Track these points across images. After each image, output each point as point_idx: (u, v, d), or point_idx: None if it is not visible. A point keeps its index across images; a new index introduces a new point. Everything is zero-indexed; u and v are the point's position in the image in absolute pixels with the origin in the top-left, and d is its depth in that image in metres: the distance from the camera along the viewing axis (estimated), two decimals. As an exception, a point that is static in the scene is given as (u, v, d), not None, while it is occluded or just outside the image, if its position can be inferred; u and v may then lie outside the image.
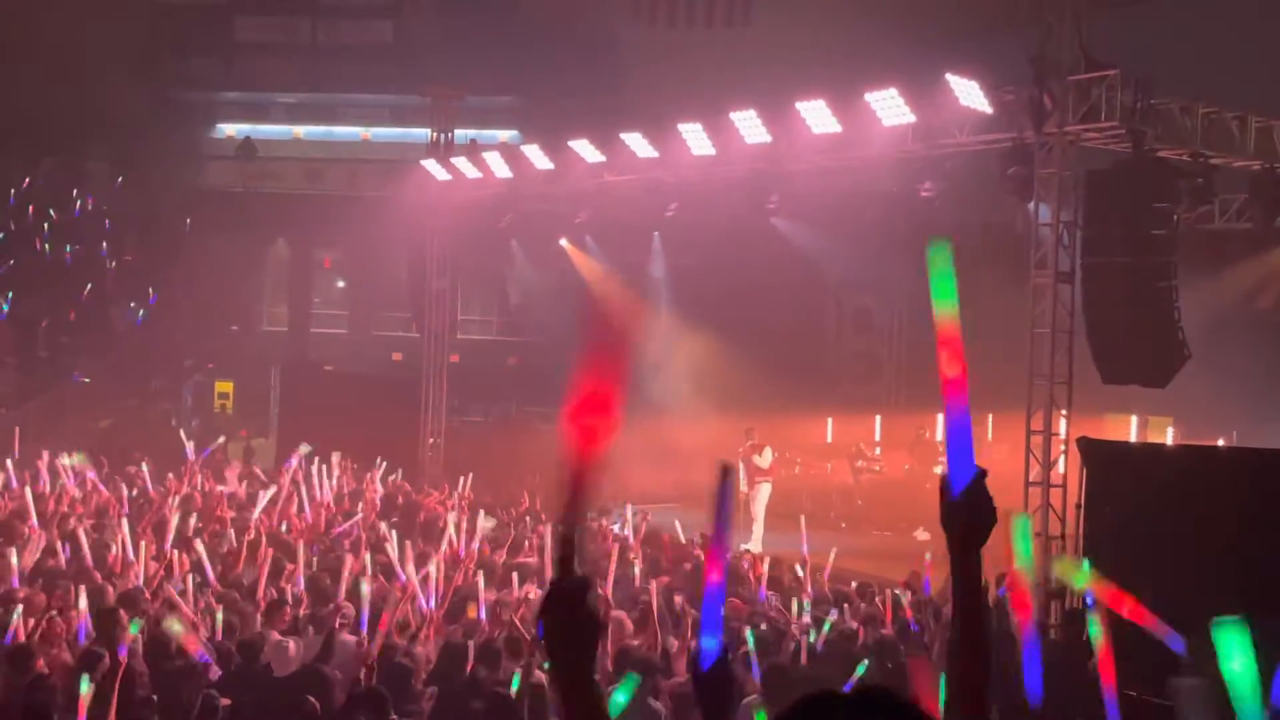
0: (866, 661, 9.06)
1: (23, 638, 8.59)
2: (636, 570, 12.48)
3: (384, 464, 18.89)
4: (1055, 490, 14.57)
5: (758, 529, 19.25)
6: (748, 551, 16.05)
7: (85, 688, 6.83)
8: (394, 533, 12.83)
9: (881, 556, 16.53)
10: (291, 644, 9.30)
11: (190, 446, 17.78)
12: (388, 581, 11.02)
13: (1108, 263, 14.07)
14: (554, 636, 2.41)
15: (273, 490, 15.26)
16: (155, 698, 8.06)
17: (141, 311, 27.20)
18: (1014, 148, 14.74)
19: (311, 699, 7.74)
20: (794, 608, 10.99)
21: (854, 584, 13.02)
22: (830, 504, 21.90)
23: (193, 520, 13.64)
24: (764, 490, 19.75)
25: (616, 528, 16.94)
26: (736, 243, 22.31)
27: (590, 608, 2.40)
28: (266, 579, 11.03)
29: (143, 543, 11.73)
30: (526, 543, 14.08)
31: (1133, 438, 18.81)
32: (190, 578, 10.66)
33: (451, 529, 12.75)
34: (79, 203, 27.01)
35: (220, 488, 16.70)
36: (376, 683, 8.05)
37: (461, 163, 22.64)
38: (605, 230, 23.48)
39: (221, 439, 20.11)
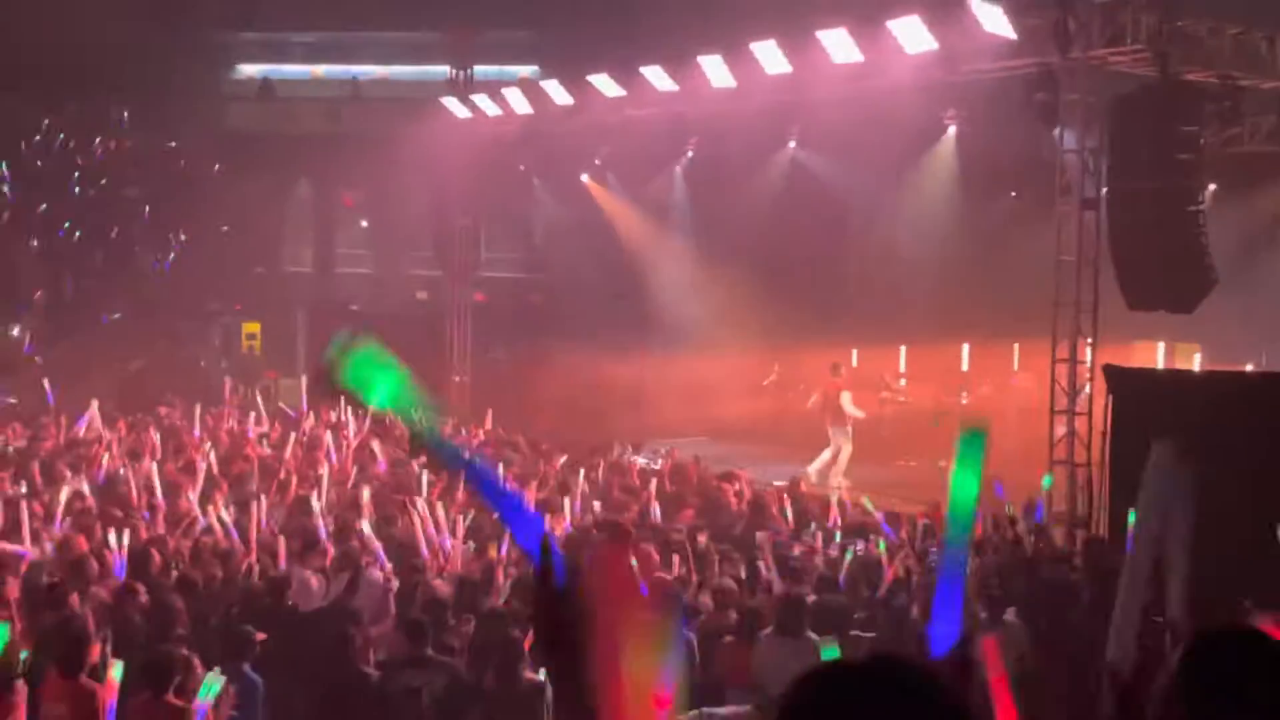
0: None
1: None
2: (655, 509, 12.47)
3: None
4: (1081, 418, 14.55)
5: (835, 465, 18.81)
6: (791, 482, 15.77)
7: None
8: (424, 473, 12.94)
9: (906, 486, 16.55)
10: (315, 579, 9.41)
11: (228, 387, 17.92)
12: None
13: (1134, 188, 13.91)
14: (542, 641, 2.58)
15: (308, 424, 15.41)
16: (190, 634, 8.17)
17: (171, 255, 27.28)
18: (1038, 73, 14.55)
19: (345, 630, 7.83)
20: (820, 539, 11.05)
21: (881, 514, 13.03)
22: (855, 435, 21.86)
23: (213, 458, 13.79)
24: (845, 432, 18.96)
25: (643, 462, 17.07)
26: (759, 175, 22.17)
27: (574, 609, 2.29)
28: (293, 518, 11.15)
29: (174, 483, 11.87)
30: (547, 480, 14.16)
31: (1159, 364, 18.71)
32: (221, 516, 10.78)
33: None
34: (101, 146, 27.00)
35: (251, 428, 16.82)
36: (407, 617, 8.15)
37: (481, 100, 22.51)
38: (626, 165, 23.37)
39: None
